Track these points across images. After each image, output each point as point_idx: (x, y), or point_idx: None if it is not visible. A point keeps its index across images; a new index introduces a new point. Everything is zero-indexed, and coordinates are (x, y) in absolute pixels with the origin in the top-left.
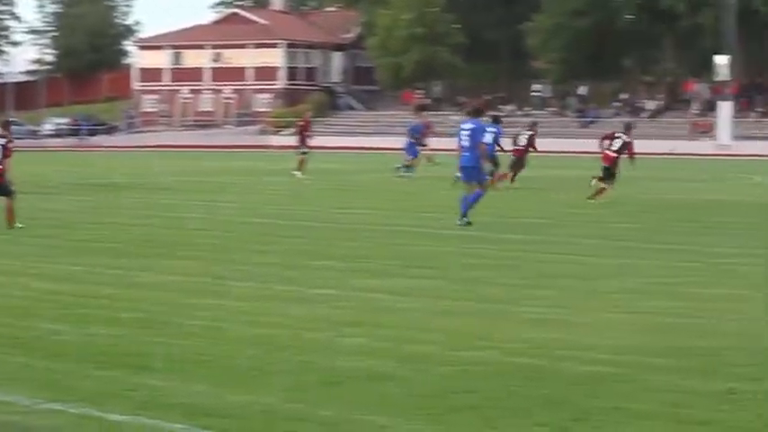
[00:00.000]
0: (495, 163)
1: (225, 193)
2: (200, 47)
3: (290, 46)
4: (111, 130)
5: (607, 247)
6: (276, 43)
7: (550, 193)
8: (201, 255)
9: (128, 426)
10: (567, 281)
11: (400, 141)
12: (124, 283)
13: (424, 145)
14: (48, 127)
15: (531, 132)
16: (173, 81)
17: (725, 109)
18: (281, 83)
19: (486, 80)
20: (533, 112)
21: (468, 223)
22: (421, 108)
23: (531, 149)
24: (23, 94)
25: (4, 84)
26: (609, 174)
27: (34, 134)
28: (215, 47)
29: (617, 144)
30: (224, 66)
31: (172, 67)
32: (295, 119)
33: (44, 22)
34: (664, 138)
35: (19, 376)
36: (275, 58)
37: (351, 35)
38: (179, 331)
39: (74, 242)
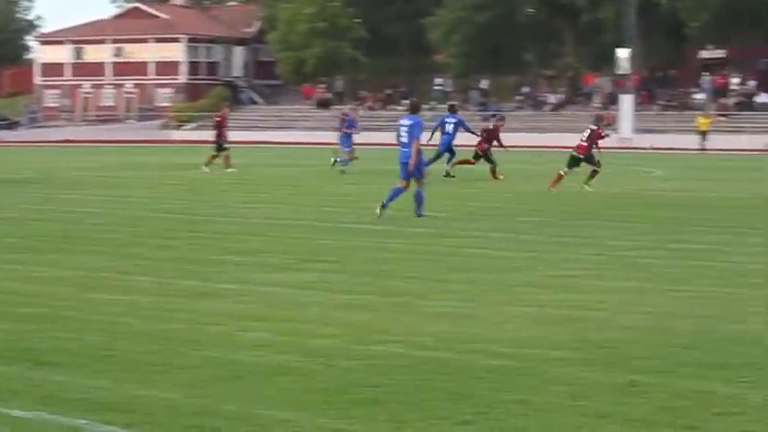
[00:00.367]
0: (452, 152)
1: (127, 188)
2: (102, 41)
3: (191, 40)
4: (12, 126)
5: (512, 240)
6: (177, 38)
7: (456, 188)
8: (104, 249)
9: (30, 421)
10: (473, 274)
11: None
12: (25, 278)
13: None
14: None
15: (494, 125)
16: (74, 76)
17: (626, 102)
18: (182, 77)
19: (388, 74)
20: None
21: (424, 215)
22: (356, 103)
23: (494, 143)
24: None
25: None
26: (588, 160)
27: None
28: (116, 41)
29: (586, 134)
30: (125, 60)
31: (73, 61)
32: (196, 113)
33: None
34: (566, 131)
35: None
36: (176, 52)
37: (252, 29)
38: (81, 326)
39: None
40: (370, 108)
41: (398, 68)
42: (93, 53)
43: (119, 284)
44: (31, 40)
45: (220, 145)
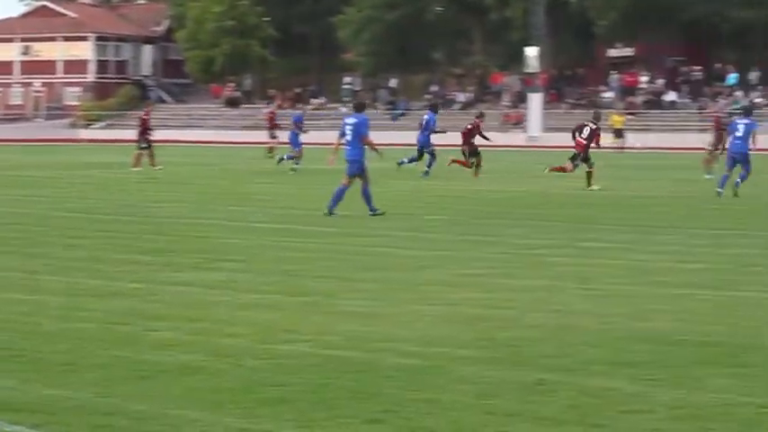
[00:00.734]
0: (432, 153)
1: (35, 188)
2: (9, 40)
3: (99, 39)
4: None
5: (420, 239)
6: (86, 36)
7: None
8: (11, 249)
9: None
10: (381, 273)
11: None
12: None
13: (275, 137)
14: None
15: (474, 122)
16: None
17: (535, 101)
18: (90, 76)
19: (297, 73)
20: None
21: (378, 213)
22: (289, 101)
23: (472, 139)
24: None
25: None
26: (584, 159)
27: None
28: (24, 40)
29: (586, 132)
30: (33, 59)
31: None
32: (105, 112)
33: None
34: None
35: None
36: (85, 51)
37: (161, 28)
38: None
39: None
40: (280, 107)
41: (308, 67)
42: (0, 51)
43: (27, 284)
44: None
45: (144, 142)
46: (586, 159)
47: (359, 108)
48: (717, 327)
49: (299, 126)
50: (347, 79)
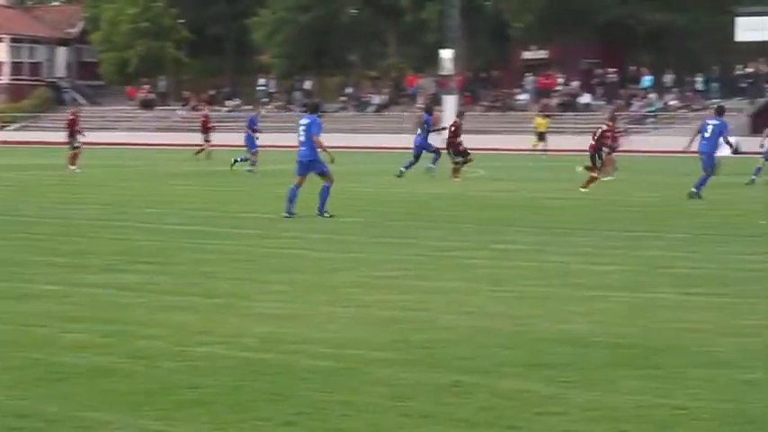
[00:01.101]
0: (436, 151)
1: None
2: None
3: (13, 40)
4: None
5: (334, 241)
6: (0, 38)
7: (280, 188)
8: None
9: None
10: (296, 275)
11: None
12: None
13: (208, 140)
14: None
15: (455, 122)
16: None
17: (450, 103)
18: (5, 78)
19: (212, 75)
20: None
21: (331, 216)
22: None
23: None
24: None
25: None
26: (591, 160)
27: None
28: None
29: (598, 133)
30: None
31: None
32: (19, 114)
33: None
34: (389, 132)
35: None
36: None
37: (75, 30)
38: None
39: None
40: (195, 108)
41: (222, 69)
42: None
43: None
44: None
45: (76, 141)
46: (594, 161)
47: (312, 109)
48: (631, 329)
49: (253, 128)
50: (262, 81)
